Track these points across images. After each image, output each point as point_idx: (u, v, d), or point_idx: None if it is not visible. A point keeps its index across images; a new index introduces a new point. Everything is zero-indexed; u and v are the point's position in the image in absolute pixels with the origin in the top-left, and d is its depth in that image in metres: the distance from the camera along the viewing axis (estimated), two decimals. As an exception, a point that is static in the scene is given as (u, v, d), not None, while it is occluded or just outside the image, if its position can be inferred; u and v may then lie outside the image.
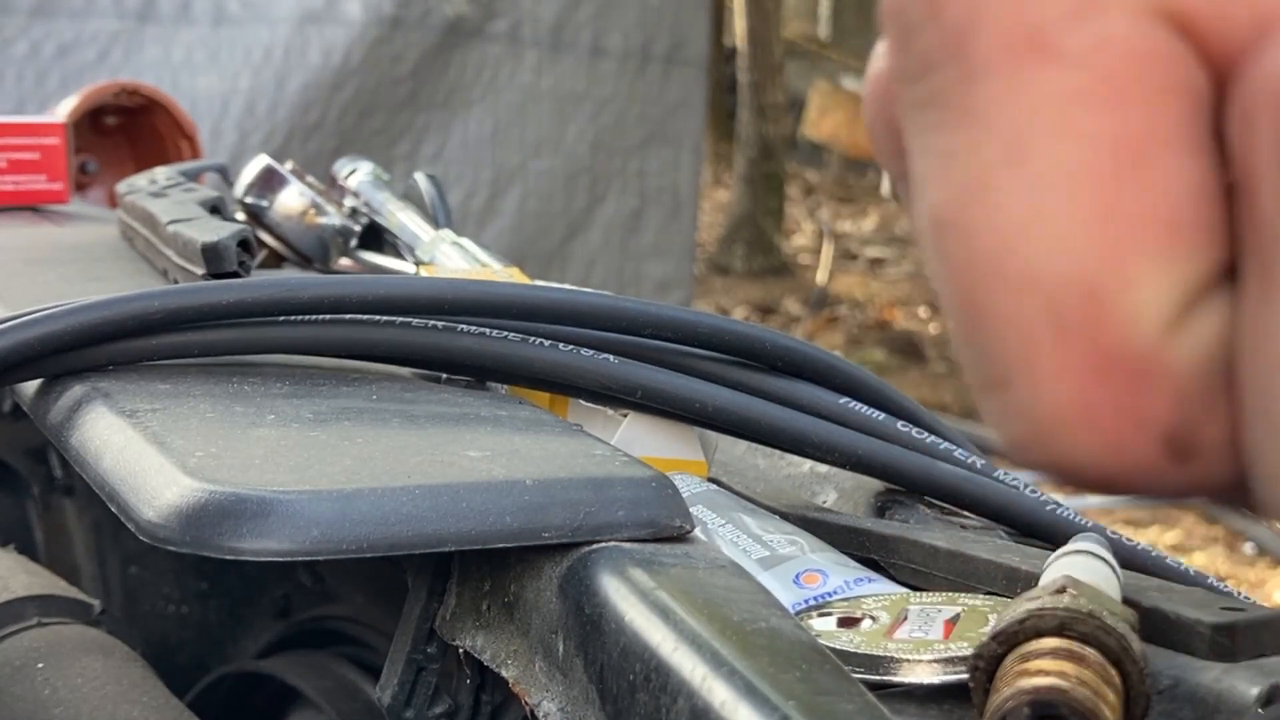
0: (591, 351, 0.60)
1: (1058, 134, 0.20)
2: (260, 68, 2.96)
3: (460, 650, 0.50)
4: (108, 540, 0.77)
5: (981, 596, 0.47)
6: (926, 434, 0.62)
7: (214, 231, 0.72)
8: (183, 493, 0.45)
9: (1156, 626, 0.42)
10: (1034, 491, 0.61)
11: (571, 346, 0.60)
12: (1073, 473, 0.22)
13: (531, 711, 0.45)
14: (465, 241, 0.91)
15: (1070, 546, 0.44)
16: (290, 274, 0.87)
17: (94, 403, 0.54)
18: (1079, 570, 0.41)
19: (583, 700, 0.43)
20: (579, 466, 0.49)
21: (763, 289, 5.93)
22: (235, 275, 0.71)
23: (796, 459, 0.66)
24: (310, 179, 0.96)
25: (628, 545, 0.46)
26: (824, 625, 0.46)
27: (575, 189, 3.39)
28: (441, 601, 0.50)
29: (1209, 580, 0.53)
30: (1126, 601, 0.41)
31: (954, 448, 0.62)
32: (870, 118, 0.24)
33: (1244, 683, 0.39)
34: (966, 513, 0.61)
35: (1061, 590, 0.38)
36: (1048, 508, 0.59)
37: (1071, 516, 0.59)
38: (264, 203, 0.91)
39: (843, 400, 0.62)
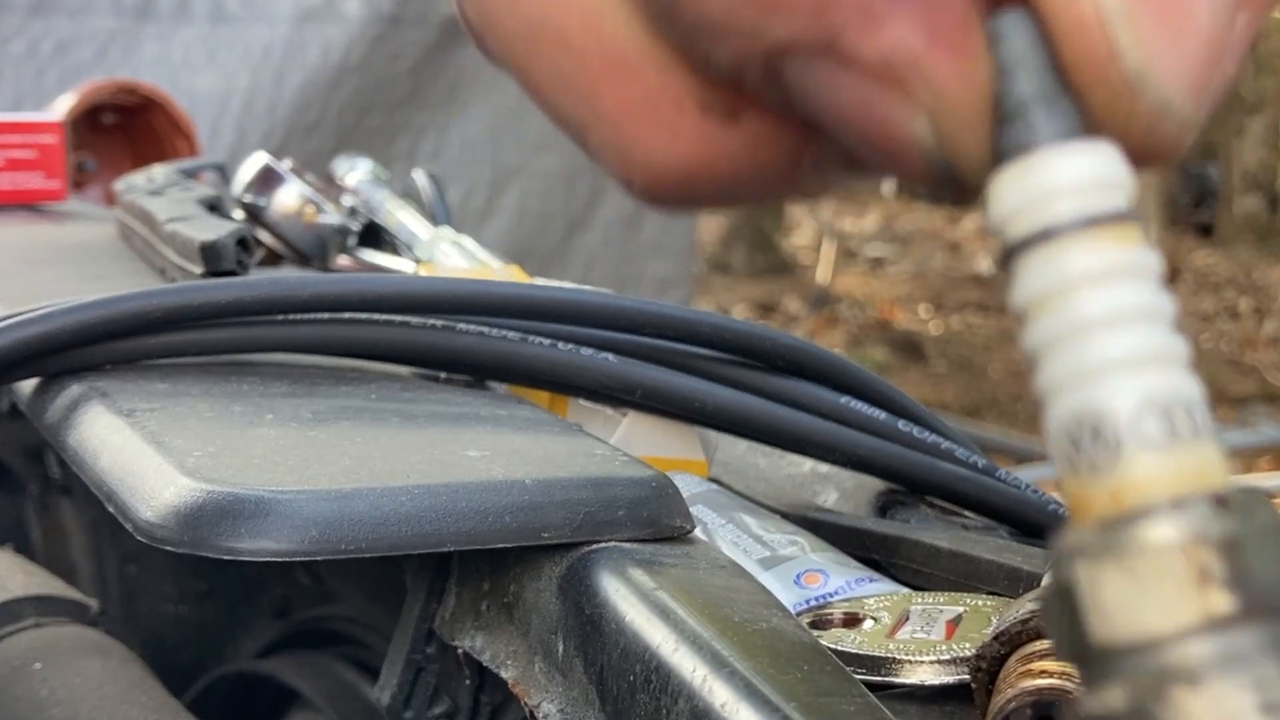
0: (591, 350, 0.60)
1: None
2: (259, 66, 2.96)
3: (459, 651, 0.49)
4: (105, 540, 0.77)
5: (984, 597, 0.46)
6: (928, 433, 0.62)
7: (212, 230, 0.72)
8: (180, 492, 0.45)
9: (1159, 627, 0.42)
10: (1036, 491, 0.60)
11: (571, 345, 0.60)
12: (670, 175, 0.25)
13: (531, 712, 0.45)
14: (464, 239, 0.91)
15: (1073, 546, 0.44)
16: (289, 273, 0.87)
17: (92, 402, 0.54)
18: (1082, 570, 0.41)
19: (583, 701, 0.43)
20: (579, 466, 0.49)
21: (763, 288, 5.93)
22: (233, 274, 0.71)
23: (797, 458, 0.66)
24: (309, 176, 0.96)
25: (628, 545, 0.46)
26: (825, 626, 0.46)
27: (575, 187, 3.39)
28: (441, 602, 0.50)
29: (1211, 580, 0.53)
30: (1129, 602, 0.41)
31: (955, 447, 0.62)
32: None
33: (1247, 683, 0.39)
34: (968, 512, 0.61)
35: (1064, 591, 0.38)
36: (1050, 507, 0.59)
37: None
38: (262, 201, 0.91)
39: (844, 399, 0.62)
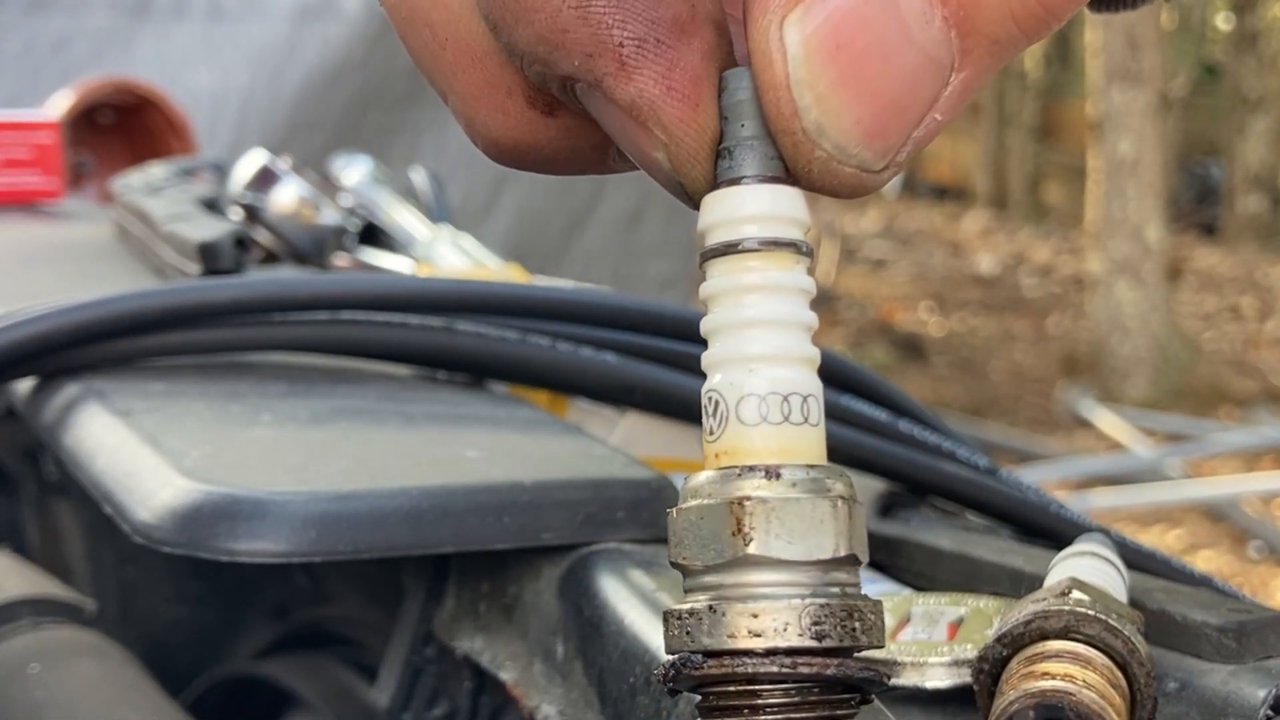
0: (591, 350, 0.60)
1: None
2: (257, 64, 2.96)
3: (458, 652, 0.49)
4: (103, 541, 0.77)
5: (986, 598, 0.46)
6: (930, 433, 0.62)
7: (210, 229, 0.72)
8: (177, 493, 0.44)
9: (1163, 628, 0.41)
10: (1038, 492, 0.60)
11: (570, 345, 0.60)
12: (499, 145, 0.31)
13: (530, 714, 0.45)
14: (464, 238, 0.91)
15: (1075, 548, 0.43)
16: (286, 272, 0.86)
17: (88, 402, 0.54)
18: (1084, 572, 0.40)
19: (582, 703, 0.43)
20: (578, 467, 0.49)
21: (762, 286, 5.92)
22: (231, 273, 0.70)
23: (798, 458, 0.66)
24: (309, 172, 0.96)
25: (628, 546, 0.46)
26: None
27: (574, 186, 3.39)
28: (439, 603, 0.50)
29: (1215, 582, 0.52)
30: (1132, 603, 0.41)
31: (957, 447, 0.62)
32: None
33: (1251, 685, 0.39)
34: (970, 513, 0.61)
35: (1067, 592, 0.37)
36: (1052, 508, 0.59)
37: (1076, 517, 0.59)
38: (260, 200, 0.90)
39: (845, 399, 0.61)
